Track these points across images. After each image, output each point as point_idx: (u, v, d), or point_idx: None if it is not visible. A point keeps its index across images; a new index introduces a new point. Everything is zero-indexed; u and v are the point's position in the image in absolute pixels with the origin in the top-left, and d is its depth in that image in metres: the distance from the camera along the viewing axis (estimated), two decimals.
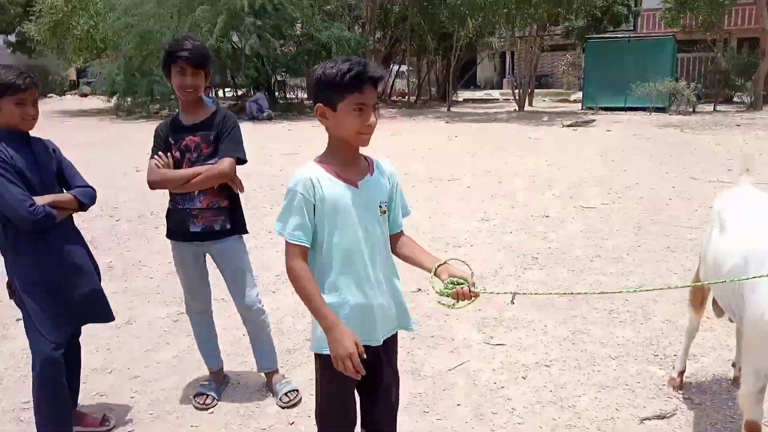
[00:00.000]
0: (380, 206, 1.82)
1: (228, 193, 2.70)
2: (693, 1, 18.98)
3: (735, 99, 21.34)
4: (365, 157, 1.87)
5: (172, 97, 19.29)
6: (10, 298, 2.42)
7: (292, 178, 1.73)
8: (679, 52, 20.98)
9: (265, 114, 17.96)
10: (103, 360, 3.33)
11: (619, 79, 18.54)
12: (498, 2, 17.70)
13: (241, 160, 2.68)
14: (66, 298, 2.39)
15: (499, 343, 3.42)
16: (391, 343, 1.93)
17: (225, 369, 3.07)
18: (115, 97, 19.57)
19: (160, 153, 2.63)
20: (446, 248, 5.23)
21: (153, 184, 2.63)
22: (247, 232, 2.84)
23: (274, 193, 7.33)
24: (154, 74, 18.41)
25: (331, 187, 1.72)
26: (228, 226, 2.71)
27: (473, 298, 1.74)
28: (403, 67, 26.06)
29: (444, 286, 1.74)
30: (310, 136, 13.32)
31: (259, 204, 6.84)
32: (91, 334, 3.28)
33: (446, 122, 16.81)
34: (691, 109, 17.73)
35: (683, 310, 3.85)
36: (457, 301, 1.74)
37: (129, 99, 19.06)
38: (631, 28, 25.74)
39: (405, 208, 1.98)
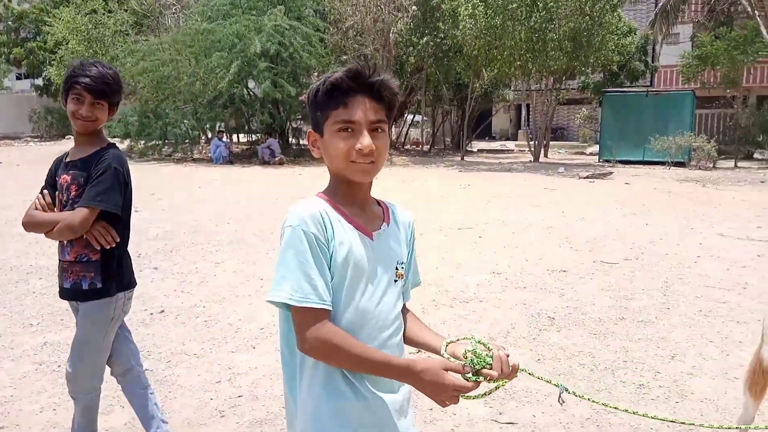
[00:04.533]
0: (397, 269, 1.37)
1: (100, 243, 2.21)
2: (713, 58, 18.84)
3: (756, 155, 20.89)
4: (378, 202, 1.44)
5: (186, 141, 19.39)
6: None
7: (292, 215, 1.25)
8: (697, 108, 20.71)
9: (276, 158, 17.86)
10: (47, 422, 2.86)
11: (637, 133, 18.28)
12: (514, 55, 17.67)
13: (107, 212, 2.19)
14: None
15: (510, 422, 2.90)
16: None
17: None
18: (128, 140, 19.64)
19: (44, 191, 2.28)
20: (453, 303, 4.75)
21: (24, 225, 2.26)
22: (126, 288, 2.31)
23: (273, 236, 6.93)
24: (168, 117, 18.51)
25: (342, 232, 1.27)
26: (98, 285, 2.21)
27: (504, 377, 1.27)
28: (418, 117, 26.08)
29: (467, 361, 1.26)
30: (322, 180, 13.08)
31: (254, 249, 6.43)
32: (41, 392, 2.84)
33: (459, 171, 16.51)
34: (711, 165, 17.28)
35: (725, 387, 3.33)
36: (495, 382, 1.28)
37: (142, 141, 19.10)
38: (648, 83, 25.64)
39: (416, 275, 1.50)
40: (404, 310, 1.45)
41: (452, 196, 11.23)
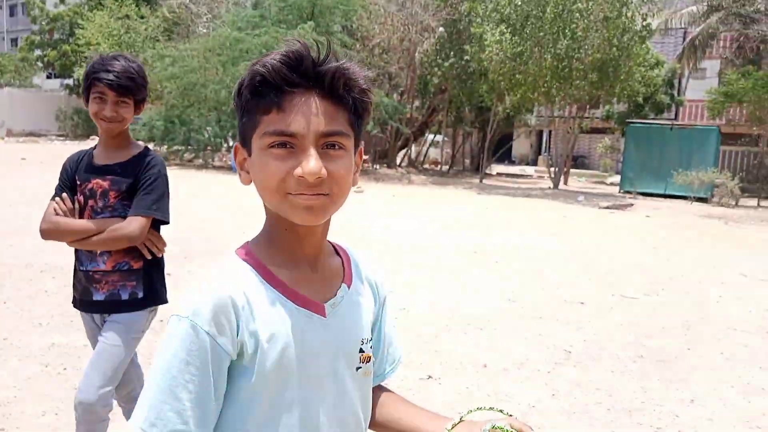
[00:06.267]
0: (362, 350, 0.95)
1: (142, 252, 2.08)
2: (740, 95, 18.64)
3: None
4: (335, 248, 1.00)
5: (209, 148, 19.57)
6: None
7: (186, 300, 0.83)
8: (722, 144, 20.46)
9: None
10: (48, 426, 2.81)
11: (660, 166, 18.07)
12: (538, 81, 17.64)
13: (160, 221, 2.08)
14: None
15: None
16: None
17: None
18: (152, 143, 19.89)
19: (64, 195, 2.08)
20: (466, 329, 4.64)
21: (44, 234, 2.05)
22: (165, 301, 2.18)
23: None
24: (192, 124, 18.72)
25: (275, 315, 0.85)
26: (140, 295, 2.07)
27: None
28: (439, 137, 26.11)
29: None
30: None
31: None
32: (45, 395, 2.78)
33: (478, 194, 16.41)
34: (734, 203, 16.98)
35: None
36: None
37: (165, 146, 19.33)
38: (672, 116, 25.43)
39: (396, 350, 1.11)
40: (382, 392, 1.08)
41: (469, 218, 11.14)
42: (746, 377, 4.02)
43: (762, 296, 6.24)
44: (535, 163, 31.64)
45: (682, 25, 25.07)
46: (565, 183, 21.50)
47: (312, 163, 0.81)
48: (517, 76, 17.68)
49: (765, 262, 8.31)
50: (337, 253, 1.00)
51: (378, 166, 22.22)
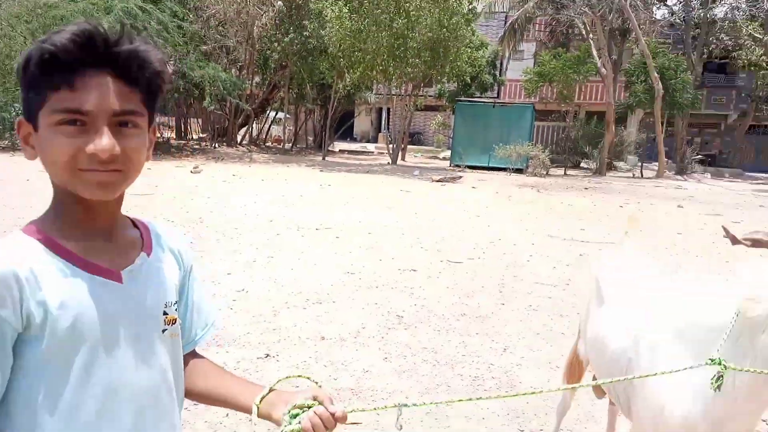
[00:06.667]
0: (166, 313, 0.98)
1: None
2: (551, 75, 20.91)
3: (583, 165, 23.52)
4: (134, 222, 1.02)
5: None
6: None
7: None
8: (536, 120, 22.85)
9: None
10: None
11: (484, 140, 19.74)
12: (376, 59, 18.16)
13: None
14: None
15: (353, 423, 2.97)
16: None
17: None
18: None
19: None
20: (306, 304, 4.76)
21: None
22: None
23: None
24: None
25: (65, 284, 0.86)
26: None
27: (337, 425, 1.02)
28: (281, 114, 25.75)
29: (286, 423, 0.99)
30: (172, 175, 12.40)
31: None
32: None
33: (320, 171, 16.59)
34: (545, 172, 19.15)
35: (548, 375, 3.71)
36: None
37: None
38: (495, 95, 27.77)
39: (209, 314, 1.13)
40: (196, 359, 1.12)
41: (312, 196, 11.25)
42: (549, 324, 4.66)
43: (564, 254, 7.20)
44: (375, 140, 32.64)
45: (504, 10, 27.36)
46: (403, 159, 22.55)
47: (105, 140, 0.84)
48: (356, 53, 18.01)
49: (568, 224, 9.56)
50: (136, 226, 1.02)
51: (217, 145, 21.33)
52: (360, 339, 4.10)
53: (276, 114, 25.96)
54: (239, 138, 23.08)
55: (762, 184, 21.27)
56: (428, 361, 3.79)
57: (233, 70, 22.02)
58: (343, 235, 7.59)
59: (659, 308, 1.67)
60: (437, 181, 15.21)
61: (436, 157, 25.81)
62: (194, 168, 14.33)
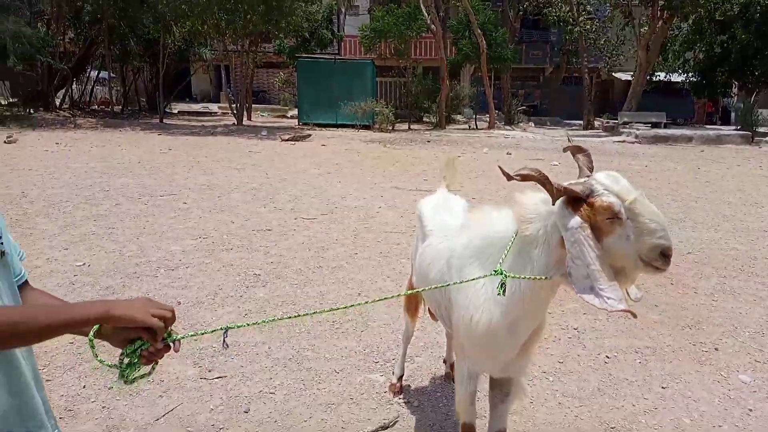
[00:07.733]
0: None
1: None
2: (386, 32, 21.36)
3: (425, 119, 24.71)
4: None
5: None
6: None
7: None
8: (378, 76, 23.37)
9: None
10: None
11: (329, 98, 19.81)
12: (205, 12, 17.16)
13: None
14: None
15: (219, 376, 3.05)
16: None
17: None
18: None
19: None
20: (157, 272, 4.62)
21: None
22: None
23: None
24: None
25: None
26: None
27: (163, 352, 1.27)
28: (104, 73, 23.35)
29: (124, 354, 1.24)
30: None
31: None
32: None
33: (159, 135, 15.55)
34: (390, 128, 19.86)
35: (399, 313, 4.06)
36: (155, 364, 1.29)
37: None
38: (336, 51, 27.79)
39: (17, 247, 1.32)
40: (29, 289, 1.30)
41: (152, 161, 10.59)
42: (398, 267, 5.03)
43: (409, 203, 7.68)
44: (217, 99, 31.08)
45: None
46: (249, 119, 21.86)
47: None
48: (182, 6, 16.87)
49: (412, 175, 10.14)
50: None
51: (32, 110, 18.90)
52: (217, 300, 4.12)
53: (99, 73, 23.54)
54: (58, 102, 20.65)
55: (576, 129, 24.10)
56: (288, 313, 3.93)
57: (39, 25, 19.45)
58: (190, 201, 7.34)
59: (463, 237, 1.99)
60: (286, 140, 15.09)
61: (284, 116, 25.36)
62: (8, 138, 12.66)
